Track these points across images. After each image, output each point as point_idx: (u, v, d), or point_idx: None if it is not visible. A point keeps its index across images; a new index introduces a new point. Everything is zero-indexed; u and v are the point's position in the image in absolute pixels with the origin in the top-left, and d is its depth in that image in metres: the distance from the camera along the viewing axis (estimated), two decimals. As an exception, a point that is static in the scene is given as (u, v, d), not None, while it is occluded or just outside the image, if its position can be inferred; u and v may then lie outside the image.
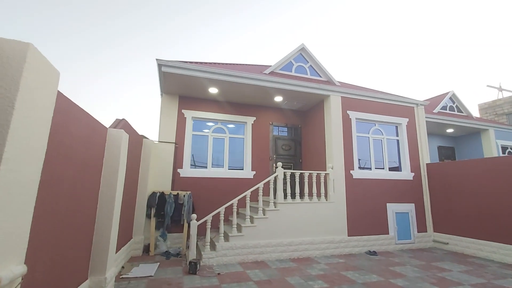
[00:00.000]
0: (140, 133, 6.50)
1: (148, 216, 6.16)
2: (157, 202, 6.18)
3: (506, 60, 42.21)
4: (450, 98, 11.35)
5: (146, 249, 6.01)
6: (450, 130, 10.90)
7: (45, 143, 1.99)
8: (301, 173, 6.47)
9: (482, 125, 10.61)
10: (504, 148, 11.11)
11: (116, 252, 4.31)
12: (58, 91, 2.31)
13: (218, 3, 49.86)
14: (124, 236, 5.12)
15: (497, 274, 4.88)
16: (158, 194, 6.24)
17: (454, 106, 11.35)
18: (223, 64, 7.57)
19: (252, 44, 57.84)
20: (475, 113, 16.26)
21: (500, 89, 15.81)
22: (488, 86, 16.11)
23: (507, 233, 5.71)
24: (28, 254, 1.88)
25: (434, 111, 10.41)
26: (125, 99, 39.59)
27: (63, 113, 2.39)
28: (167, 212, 6.16)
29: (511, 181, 5.72)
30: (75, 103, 2.64)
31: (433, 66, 50.59)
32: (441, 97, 11.71)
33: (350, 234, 6.44)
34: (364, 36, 53.09)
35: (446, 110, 11.05)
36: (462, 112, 11.40)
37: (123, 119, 4.43)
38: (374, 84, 55.03)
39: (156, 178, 6.55)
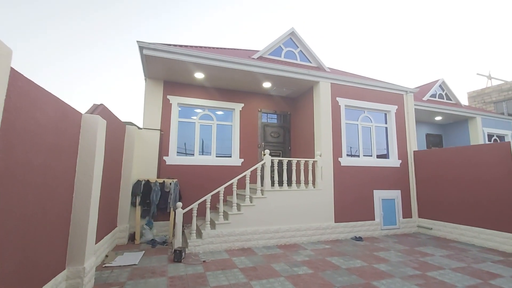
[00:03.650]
0: (127, 119, 6.31)
1: (133, 204, 6.06)
2: (143, 190, 6.06)
3: (496, 49, 42.56)
4: (440, 86, 11.37)
5: (132, 237, 5.94)
6: (438, 118, 10.98)
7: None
8: (289, 160, 6.42)
9: (470, 113, 10.71)
10: (490, 136, 11.30)
11: (97, 242, 4.23)
12: (20, 73, 2.14)
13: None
14: (108, 225, 5.02)
15: (477, 258, 5.01)
16: (143, 182, 6.11)
17: (443, 94, 11.39)
18: (209, 48, 7.31)
19: (235, 24, 55.45)
20: (464, 101, 16.42)
21: (489, 77, 15.95)
22: (478, 74, 16.22)
23: (487, 218, 5.85)
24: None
25: (423, 98, 10.43)
26: (110, 82, 38.39)
27: (24, 97, 2.20)
28: (152, 200, 6.06)
29: (492, 168, 5.82)
30: (40, 87, 2.45)
31: (424, 54, 50.65)
32: (430, 84, 11.72)
33: (337, 220, 6.49)
34: (354, 22, 52.37)
35: (435, 98, 11.08)
36: (451, 100, 11.46)
37: (101, 104, 4.22)
38: (364, 71, 54.72)
39: (141, 166, 6.40)
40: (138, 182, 6.11)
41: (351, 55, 55.20)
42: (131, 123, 6.35)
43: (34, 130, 2.37)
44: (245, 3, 51.05)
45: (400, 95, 7.98)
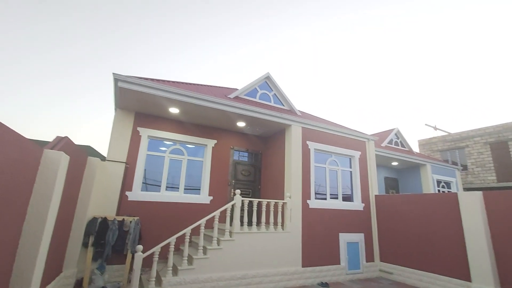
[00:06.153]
0: (86, 143, 5.87)
1: (85, 245, 5.41)
2: (98, 229, 5.47)
3: (442, 101, 49.10)
4: (395, 134, 12.55)
5: (79, 284, 5.21)
6: (394, 163, 11.94)
7: None
8: (259, 201, 6.36)
9: (421, 161, 11.84)
10: (438, 182, 12.48)
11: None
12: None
13: (192, 29, 50.56)
14: (52, 271, 4.37)
15: (435, 306, 5.20)
16: (99, 219, 5.55)
17: (398, 141, 12.55)
18: (186, 84, 7.35)
19: (222, 70, 59.10)
20: (416, 147, 18.21)
21: (435, 128, 18.04)
22: (426, 124, 18.28)
23: (441, 265, 6.22)
24: None
25: (382, 144, 11.36)
26: (77, 105, 36.47)
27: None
28: (108, 240, 5.48)
29: (443, 217, 6.33)
30: (3, 124, 2.21)
31: (380, 101, 56.44)
32: (387, 132, 12.90)
33: (304, 265, 6.41)
34: (326, 71, 57.44)
35: (392, 144, 12.15)
36: (405, 147, 12.64)
37: (65, 137, 3.91)
38: (325, 114, 59.26)
39: (100, 202, 5.85)
40: (94, 219, 5.54)
41: (315, 100, 59.60)
42: (91, 148, 5.91)
43: (-14, 174, 2.09)
44: (222, 41, 54.30)
45: (363, 142, 8.61)
